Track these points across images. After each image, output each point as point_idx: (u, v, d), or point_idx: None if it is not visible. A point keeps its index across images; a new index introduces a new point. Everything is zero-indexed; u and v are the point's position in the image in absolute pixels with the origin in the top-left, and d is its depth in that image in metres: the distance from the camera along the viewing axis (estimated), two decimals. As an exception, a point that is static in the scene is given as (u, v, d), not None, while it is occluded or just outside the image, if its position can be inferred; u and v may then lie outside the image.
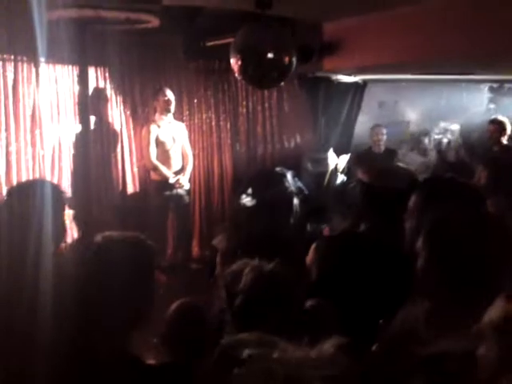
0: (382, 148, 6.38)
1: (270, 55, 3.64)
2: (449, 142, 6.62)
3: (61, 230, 1.97)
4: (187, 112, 5.72)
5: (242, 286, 1.55)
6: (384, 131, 6.44)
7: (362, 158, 6.09)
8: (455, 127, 7.01)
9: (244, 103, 6.20)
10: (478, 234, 1.41)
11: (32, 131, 4.31)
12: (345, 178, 6.25)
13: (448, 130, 6.87)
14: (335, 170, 6.23)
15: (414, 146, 6.56)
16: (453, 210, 1.48)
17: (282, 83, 4.33)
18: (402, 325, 1.47)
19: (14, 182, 4.13)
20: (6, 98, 4.14)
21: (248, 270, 1.59)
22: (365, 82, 6.41)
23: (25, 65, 4.25)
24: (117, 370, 1.26)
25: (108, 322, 1.40)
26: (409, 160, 5.95)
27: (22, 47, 4.06)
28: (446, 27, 3.77)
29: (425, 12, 3.86)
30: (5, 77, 4.12)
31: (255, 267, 1.59)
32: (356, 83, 6.34)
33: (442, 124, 7.03)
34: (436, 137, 6.61)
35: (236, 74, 3.86)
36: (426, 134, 6.52)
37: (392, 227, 2.03)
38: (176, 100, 5.26)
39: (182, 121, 5.57)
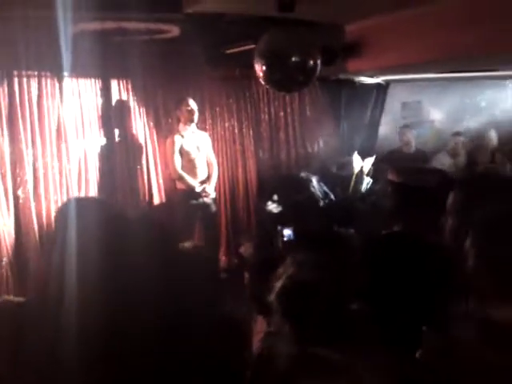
0: (413, 149, 6.36)
1: (294, 59, 3.61)
2: (478, 142, 6.48)
3: None
4: (210, 121, 5.72)
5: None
6: (412, 132, 6.43)
7: (391, 158, 6.03)
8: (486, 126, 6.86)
9: (266, 109, 6.18)
10: None
11: (58, 146, 4.34)
12: (371, 181, 6.16)
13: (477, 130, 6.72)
14: (361, 172, 6.15)
15: (442, 147, 6.45)
16: (502, 207, 1.43)
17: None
18: (449, 331, 1.41)
19: (42, 197, 4.16)
20: (31, 113, 4.17)
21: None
22: (387, 83, 6.35)
23: (48, 80, 4.29)
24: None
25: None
26: (438, 162, 5.86)
27: (46, 62, 4.09)
28: (468, 24, 3.69)
29: (446, 9, 3.79)
30: (29, 92, 4.16)
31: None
32: (378, 84, 6.28)
33: (469, 124, 6.90)
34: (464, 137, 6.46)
35: (261, 80, 3.83)
36: (454, 134, 6.40)
37: (426, 226, 1.98)
38: (199, 109, 5.26)
39: (205, 130, 5.57)
